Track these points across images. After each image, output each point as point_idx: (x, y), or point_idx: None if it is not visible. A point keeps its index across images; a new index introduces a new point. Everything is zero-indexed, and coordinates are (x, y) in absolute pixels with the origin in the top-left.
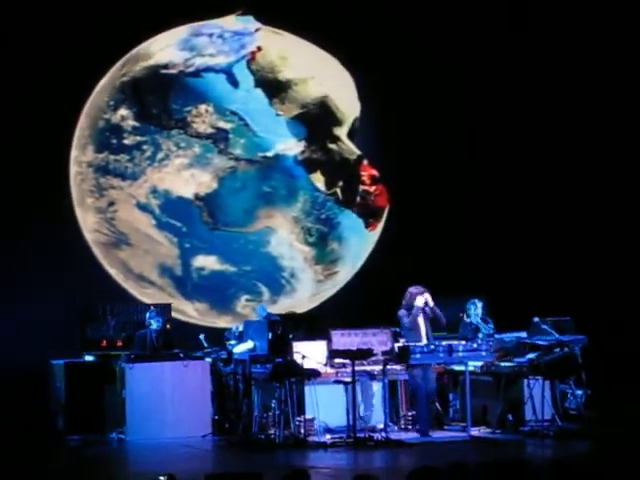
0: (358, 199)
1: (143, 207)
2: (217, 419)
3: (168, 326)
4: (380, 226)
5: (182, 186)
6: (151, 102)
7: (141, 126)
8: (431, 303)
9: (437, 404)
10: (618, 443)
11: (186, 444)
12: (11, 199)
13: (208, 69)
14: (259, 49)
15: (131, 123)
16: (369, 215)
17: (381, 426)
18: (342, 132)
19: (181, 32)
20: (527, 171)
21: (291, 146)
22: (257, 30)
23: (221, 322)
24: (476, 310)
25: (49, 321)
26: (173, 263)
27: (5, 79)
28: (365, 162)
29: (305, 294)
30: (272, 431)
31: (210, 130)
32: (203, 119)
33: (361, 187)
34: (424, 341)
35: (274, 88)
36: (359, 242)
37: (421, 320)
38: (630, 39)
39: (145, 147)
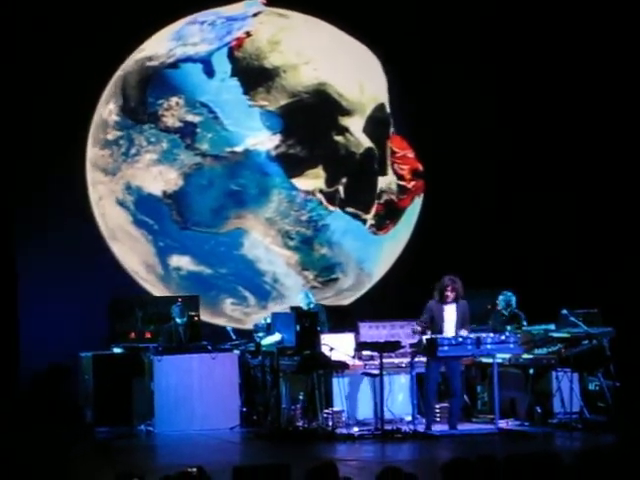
0: (386, 197)
1: (121, 203)
2: (245, 411)
3: (196, 318)
4: (395, 227)
5: (151, 183)
6: (131, 96)
7: (121, 120)
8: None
9: (465, 396)
10: None
11: (214, 436)
12: (40, 195)
13: (187, 59)
14: (248, 35)
15: (114, 118)
16: (387, 216)
17: (409, 418)
18: (353, 122)
19: (180, 22)
20: (557, 163)
21: (263, 140)
22: (255, 14)
23: (220, 322)
24: (507, 302)
25: (78, 314)
26: (153, 262)
27: (22, 82)
28: (410, 154)
29: (297, 301)
30: (300, 423)
31: (178, 124)
32: (172, 112)
33: (399, 182)
34: (446, 333)
35: (258, 76)
36: (361, 247)
37: (448, 312)
38: None
39: (122, 142)
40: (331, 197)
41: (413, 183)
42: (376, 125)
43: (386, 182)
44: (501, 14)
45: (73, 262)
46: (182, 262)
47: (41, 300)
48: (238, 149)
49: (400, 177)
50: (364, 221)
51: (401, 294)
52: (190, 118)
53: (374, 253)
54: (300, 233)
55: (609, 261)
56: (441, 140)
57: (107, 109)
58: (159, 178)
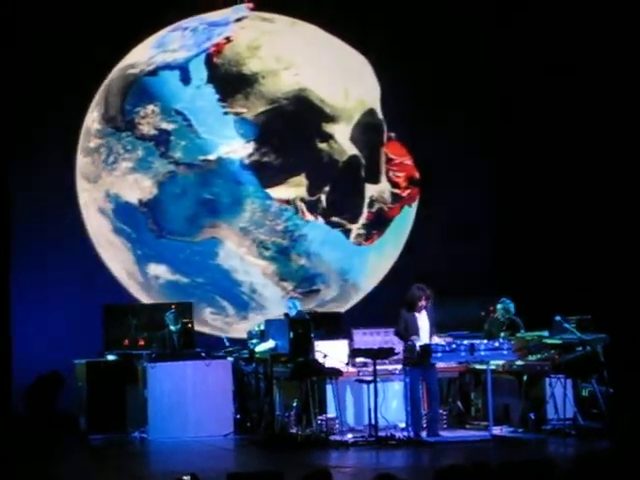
0: (377, 205)
1: (102, 211)
2: (239, 418)
3: (189, 325)
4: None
5: (128, 191)
6: (112, 104)
7: (102, 128)
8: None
9: (459, 403)
10: None
11: (208, 443)
12: (35, 204)
13: (166, 66)
14: (228, 40)
15: (96, 126)
16: (374, 226)
17: (403, 425)
18: (337, 129)
19: (165, 30)
20: (553, 172)
21: (236, 148)
22: (239, 19)
23: (203, 331)
24: (504, 309)
25: (71, 321)
26: (133, 269)
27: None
28: (408, 161)
29: (277, 311)
30: (294, 430)
31: (153, 132)
32: (148, 120)
33: (393, 190)
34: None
35: (236, 83)
36: (342, 257)
37: (421, 320)
38: None
39: (102, 150)
40: (312, 206)
41: (408, 191)
42: (367, 131)
43: (378, 190)
44: (500, 15)
45: (66, 270)
46: (159, 271)
47: (35, 308)
48: (211, 157)
49: (395, 185)
50: (349, 231)
51: (393, 303)
52: (165, 126)
53: (358, 264)
54: (276, 243)
55: (602, 267)
56: (438, 147)
57: (91, 117)
58: (135, 186)
